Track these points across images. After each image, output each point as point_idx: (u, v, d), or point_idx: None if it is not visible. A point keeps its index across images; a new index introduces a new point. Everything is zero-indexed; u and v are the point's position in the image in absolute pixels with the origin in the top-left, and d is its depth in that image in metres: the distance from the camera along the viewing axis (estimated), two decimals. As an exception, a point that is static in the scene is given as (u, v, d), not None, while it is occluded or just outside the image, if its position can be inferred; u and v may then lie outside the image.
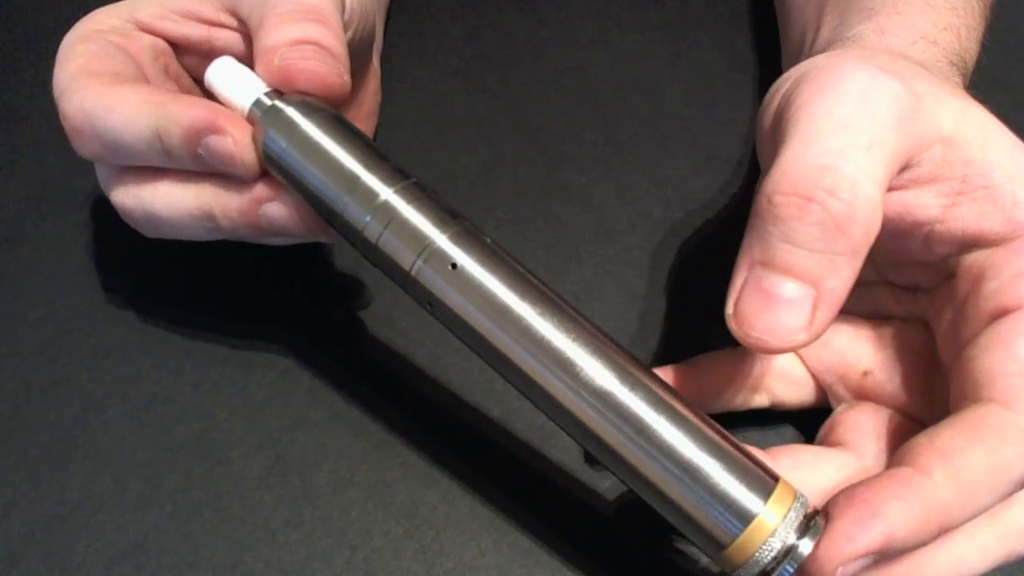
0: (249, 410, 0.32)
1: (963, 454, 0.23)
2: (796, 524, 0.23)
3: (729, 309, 0.25)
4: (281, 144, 0.26)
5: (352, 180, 0.26)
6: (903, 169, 0.25)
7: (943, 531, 0.23)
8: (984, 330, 0.25)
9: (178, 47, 0.31)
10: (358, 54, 0.32)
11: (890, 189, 0.25)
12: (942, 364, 0.27)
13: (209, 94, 0.29)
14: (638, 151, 0.40)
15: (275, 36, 0.27)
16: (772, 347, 0.24)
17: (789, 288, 0.23)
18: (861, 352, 0.29)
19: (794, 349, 0.25)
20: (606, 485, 0.31)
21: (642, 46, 0.43)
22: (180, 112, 0.26)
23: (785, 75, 0.28)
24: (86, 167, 0.37)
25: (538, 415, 0.32)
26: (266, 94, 0.27)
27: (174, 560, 0.29)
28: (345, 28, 0.30)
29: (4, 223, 0.36)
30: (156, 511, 0.29)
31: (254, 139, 0.27)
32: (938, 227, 0.26)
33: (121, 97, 0.27)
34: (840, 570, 0.22)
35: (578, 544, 0.30)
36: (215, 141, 0.26)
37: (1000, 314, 0.25)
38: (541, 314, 0.24)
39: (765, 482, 0.23)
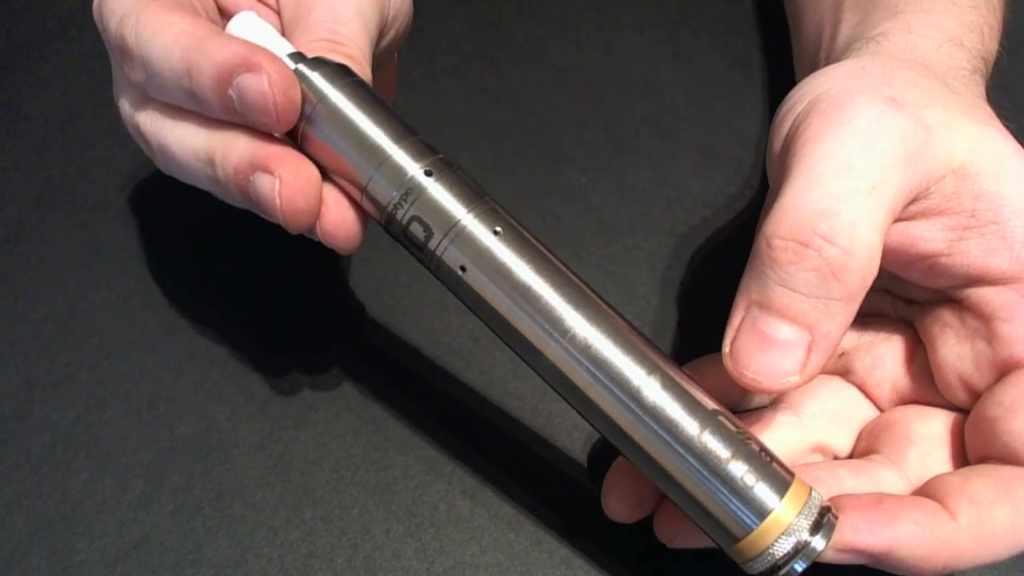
0: (250, 409, 0.32)
1: (991, 507, 0.23)
2: (810, 521, 0.23)
3: (726, 347, 0.25)
4: (305, 111, 0.25)
5: (379, 154, 0.25)
6: (911, 202, 0.25)
7: (950, 571, 0.23)
8: (1005, 383, 0.25)
9: (224, 14, 0.30)
10: (393, 49, 0.32)
11: (896, 220, 0.25)
12: (929, 371, 0.28)
13: None
14: (638, 151, 0.40)
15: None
16: (765, 388, 0.24)
17: (784, 331, 0.24)
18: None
19: (787, 391, 0.25)
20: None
21: (642, 46, 0.44)
22: (215, 48, 0.24)
23: (799, 91, 0.27)
24: (86, 167, 0.37)
25: (538, 414, 0.32)
26: (290, 56, 0.26)
27: (176, 558, 0.29)
28: (387, 30, 0.29)
29: (4, 223, 0.36)
30: (158, 510, 0.30)
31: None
32: (943, 260, 0.25)
33: (167, 23, 0.25)
34: (831, 553, 0.23)
35: (578, 542, 0.30)
36: (248, 80, 0.24)
37: (1016, 365, 0.25)
38: (567, 299, 0.24)
39: (782, 478, 0.24)
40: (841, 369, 0.30)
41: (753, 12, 0.46)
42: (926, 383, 0.28)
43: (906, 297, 0.29)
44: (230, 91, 0.24)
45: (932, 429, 0.27)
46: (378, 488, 0.30)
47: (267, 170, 0.25)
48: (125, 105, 0.29)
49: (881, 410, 0.29)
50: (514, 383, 0.33)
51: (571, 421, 0.32)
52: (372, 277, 0.35)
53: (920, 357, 0.28)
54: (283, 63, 0.24)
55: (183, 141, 0.26)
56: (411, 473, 0.31)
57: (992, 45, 0.32)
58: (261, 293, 0.34)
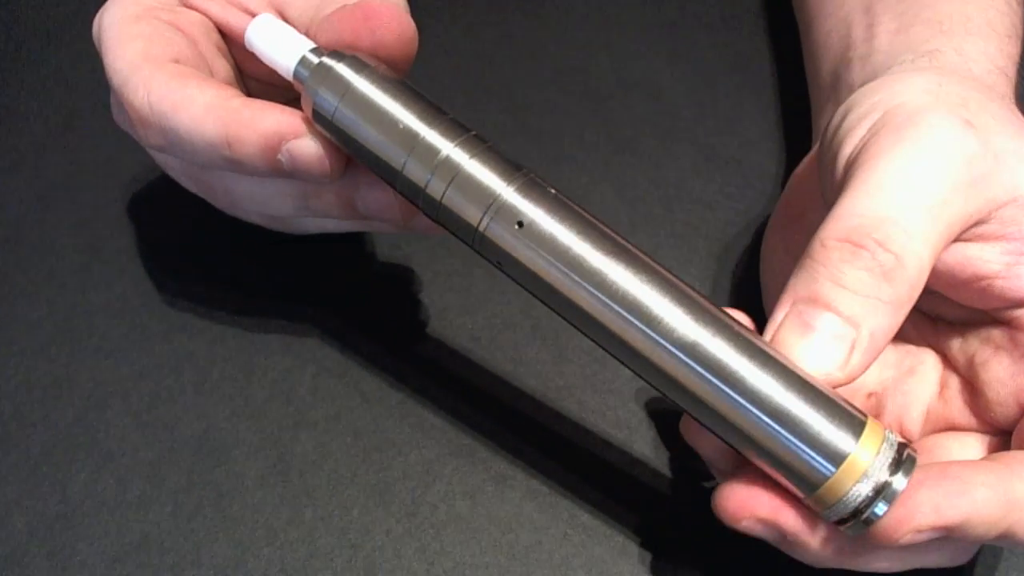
0: (250, 410, 0.32)
1: None
2: (888, 461, 0.22)
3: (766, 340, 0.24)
4: (333, 102, 0.25)
5: (411, 136, 0.25)
6: (971, 226, 0.25)
7: (1011, 535, 0.23)
8: None
9: (223, 32, 0.30)
10: None
11: (954, 240, 0.25)
12: (961, 397, 0.28)
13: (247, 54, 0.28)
14: (638, 151, 0.40)
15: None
16: None
17: (830, 324, 0.24)
18: (868, 374, 0.29)
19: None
20: (607, 485, 0.31)
21: (642, 46, 0.44)
22: (256, 119, 0.25)
23: (871, 98, 0.27)
24: (86, 167, 0.37)
25: (539, 415, 0.32)
26: (312, 51, 0.26)
27: (176, 559, 0.29)
28: None
29: (4, 223, 0.36)
30: (158, 510, 0.30)
31: (303, 103, 0.26)
32: (998, 282, 0.26)
33: (188, 97, 0.26)
34: (911, 536, 0.23)
35: (578, 543, 0.30)
36: (299, 146, 0.26)
37: None
38: (617, 263, 0.24)
39: (855, 420, 0.23)
40: (872, 411, 0.29)
41: (754, 12, 0.46)
42: (958, 409, 0.28)
43: (933, 314, 0.29)
44: (279, 156, 0.26)
45: (971, 454, 0.27)
46: (378, 488, 0.30)
47: (368, 184, 0.27)
48: (170, 165, 0.30)
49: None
50: (515, 383, 0.33)
51: (572, 421, 0.32)
52: (372, 277, 0.35)
53: (951, 383, 0.28)
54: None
55: (264, 186, 0.28)
56: (411, 473, 0.31)
57: (1016, 75, 0.32)
58: (261, 293, 0.34)
